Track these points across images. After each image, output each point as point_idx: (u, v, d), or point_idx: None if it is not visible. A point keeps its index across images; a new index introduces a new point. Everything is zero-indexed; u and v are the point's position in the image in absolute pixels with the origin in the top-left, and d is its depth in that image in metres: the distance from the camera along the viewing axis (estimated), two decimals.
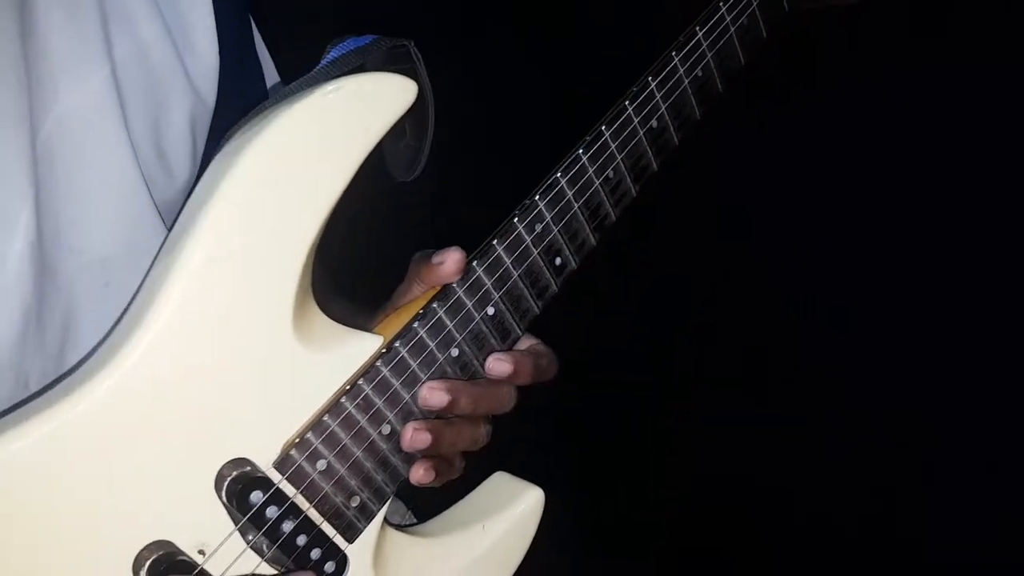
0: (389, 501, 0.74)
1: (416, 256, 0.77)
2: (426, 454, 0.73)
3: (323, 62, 0.73)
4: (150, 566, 0.63)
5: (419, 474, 0.73)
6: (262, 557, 0.67)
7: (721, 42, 0.90)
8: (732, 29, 0.91)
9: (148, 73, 0.76)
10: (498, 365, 0.76)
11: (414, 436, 0.72)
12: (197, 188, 0.68)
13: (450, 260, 0.74)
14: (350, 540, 0.72)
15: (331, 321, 0.73)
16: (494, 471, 0.87)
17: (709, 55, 0.89)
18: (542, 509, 0.83)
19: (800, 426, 1.87)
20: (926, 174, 1.73)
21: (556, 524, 0.87)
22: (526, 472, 0.87)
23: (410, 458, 0.74)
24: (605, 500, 1.88)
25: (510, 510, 0.82)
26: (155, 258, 0.67)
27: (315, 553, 0.70)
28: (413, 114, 0.73)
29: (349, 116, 0.69)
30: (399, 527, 0.80)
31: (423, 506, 0.87)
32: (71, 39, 0.71)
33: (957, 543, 1.74)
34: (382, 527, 0.76)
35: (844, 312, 1.86)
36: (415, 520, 0.86)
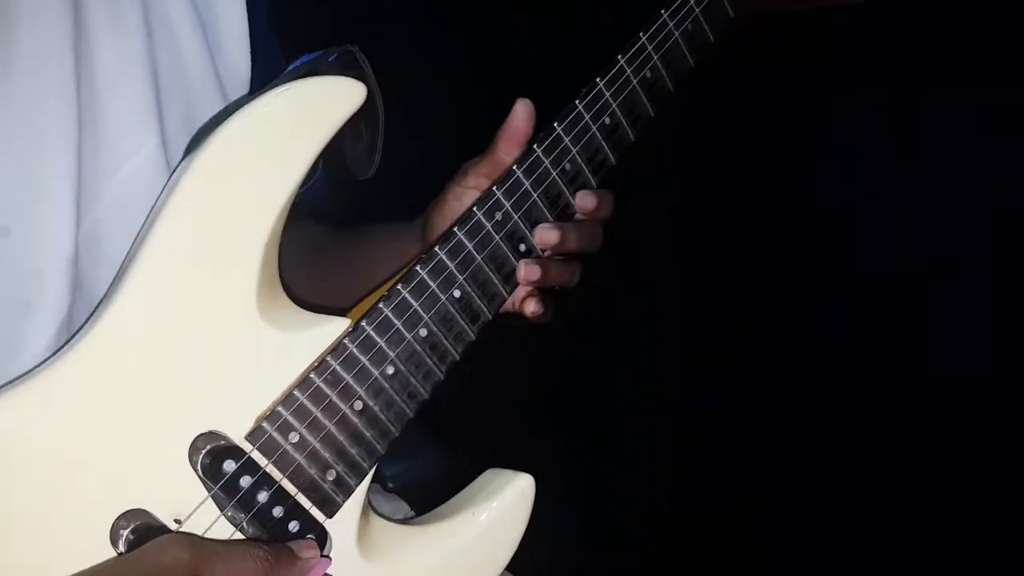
0: (368, 477, 0.75)
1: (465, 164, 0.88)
2: (535, 285, 0.84)
3: (280, 75, 0.80)
4: (127, 534, 0.65)
5: (532, 307, 0.86)
6: (236, 526, 0.69)
7: (666, 46, 0.95)
8: (676, 34, 0.96)
9: (183, 76, 0.82)
10: (586, 200, 0.87)
11: (528, 269, 0.83)
12: (165, 188, 0.74)
13: (520, 106, 0.85)
14: (328, 515, 0.73)
15: (299, 308, 0.76)
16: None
17: (655, 57, 0.94)
18: (533, 495, 0.83)
19: (798, 426, 1.82)
20: (924, 174, 1.73)
21: (555, 520, 0.86)
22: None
23: (385, 434, 0.76)
24: (603, 498, 1.82)
25: (500, 497, 0.82)
26: (129, 250, 0.72)
27: (293, 525, 0.71)
28: (365, 116, 0.79)
29: (299, 116, 0.74)
30: (388, 519, 0.80)
31: (425, 506, 0.87)
32: (117, 44, 0.77)
33: (956, 543, 1.65)
34: (368, 513, 0.77)
35: (843, 312, 1.83)
36: (414, 515, 0.86)
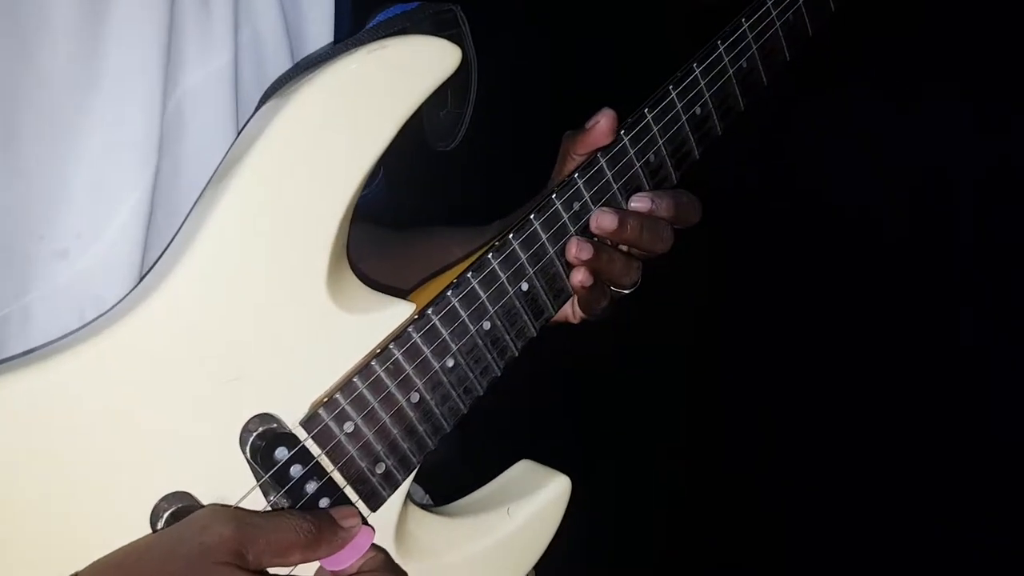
0: (415, 472, 0.72)
1: (567, 134, 0.81)
2: (585, 266, 0.77)
3: (368, 26, 0.73)
4: (168, 518, 0.61)
5: (579, 277, 0.77)
6: None
7: (766, 36, 0.89)
8: (777, 24, 0.90)
9: (260, 64, 0.75)
10: (639, 202, 0.80)
11: (580, 246, 0.76)
12: (236, 142, 0.67)
13: (604, 119, 0.78)
14: (373, 508, 0.70)
15: (365, 286, 0.72)
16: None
17: (754, 47, 0.88)
18: (568, 497, 0.81)
19: (803, 425, 1.86)
20: (928, 175, 1.73)
21: (583, 516, 0.85)
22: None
23: (438, 429, 0.73)
24: (613, 490, 1.86)
25: (536, 496, 0.80)
26: (193, 205, 0.66)
27: None
28: (455, 81, 0.72)
29: (391, 78, 0.68)
30: (421, 506, 0.78)
31: (440, 490, 0.85)
32: (204, 66, 0.70)
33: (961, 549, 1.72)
34: (407, 505, 0.74)
35: (854, 311, 1.85)
36: (431, 503, 0.84)
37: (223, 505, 0.63)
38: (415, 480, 0.91)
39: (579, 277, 0.78)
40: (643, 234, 0.79)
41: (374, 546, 0.66)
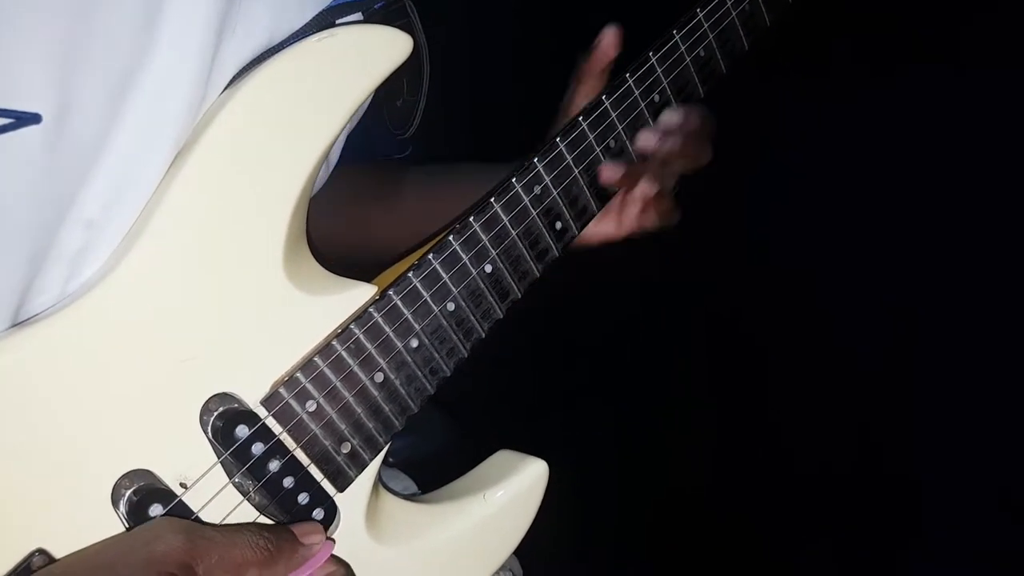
0: (383, 452, 0.72)
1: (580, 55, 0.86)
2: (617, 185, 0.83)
3: (318, 12, 0.74)
4: (129, 496, 0.62)
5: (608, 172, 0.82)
6: (245, 495, 0.66)
7: (723, 25, 0.91)
8: (733, 13, 0.92)
9: None
10: (669, 117, 0.85)
11: (609, 169, 0.81)
12: (194, 130, 0.69)
13: (606, 36, 0.84)
14: (340, 488, 0.70)
15: (325, 270, 0.73)
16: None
17: (711, 35, 0.90)
18: (546, 481, 0.80)
19: (801, 421, 1.83)
20: (928, 170, 1.73)
21: (558, 503, 0.84)
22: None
23: (404, 410, 0.73)
24: (603, 480, 1.83)
25: (511, 481, 0.79)
26: (154, 192, 0.68)
27: (303, 497, 0.68)
28: (409, 70, 0.74)
29: (341, 66, 0.69)
30: (399, 495, 0.77)
31: (430, 481, 0.85)
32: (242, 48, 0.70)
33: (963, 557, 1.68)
34: (378, 489, 0.74)
35: (846, 305, 1.84)
36: (420, 493, 0.83)
37: (176, 518, 0.62)
38: (406, 472, 0.91)
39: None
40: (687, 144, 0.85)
41: (335, 558, 0.65)
